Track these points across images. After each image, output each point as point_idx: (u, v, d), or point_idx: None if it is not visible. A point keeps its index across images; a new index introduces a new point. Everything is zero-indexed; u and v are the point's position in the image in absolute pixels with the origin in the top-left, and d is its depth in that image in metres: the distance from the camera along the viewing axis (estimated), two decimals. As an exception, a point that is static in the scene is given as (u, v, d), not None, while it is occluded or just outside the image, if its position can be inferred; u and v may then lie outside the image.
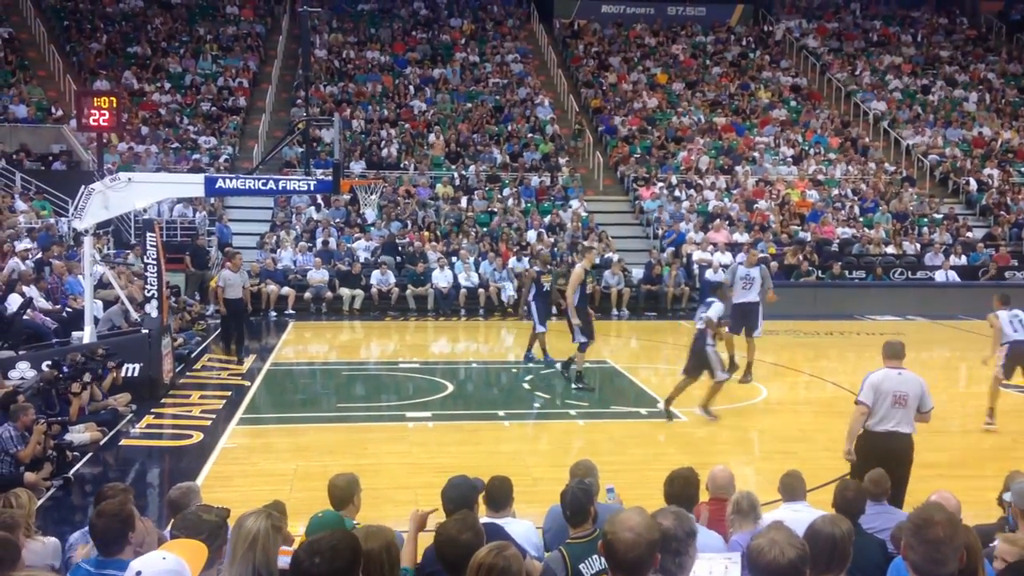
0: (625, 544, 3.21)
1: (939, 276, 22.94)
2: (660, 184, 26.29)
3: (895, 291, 22.75)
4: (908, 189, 27.20)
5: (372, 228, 23.38)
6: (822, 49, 34.69)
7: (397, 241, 22.65)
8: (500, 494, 5.45)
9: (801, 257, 22.78)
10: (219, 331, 16.66)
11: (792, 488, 5.97)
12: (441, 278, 21.38)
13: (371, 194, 18.25)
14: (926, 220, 25.66)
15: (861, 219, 25.40)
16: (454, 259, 21.99)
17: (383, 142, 27.27)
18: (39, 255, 16.11)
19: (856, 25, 36.83)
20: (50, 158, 24.05)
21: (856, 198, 26.60)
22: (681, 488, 5.33)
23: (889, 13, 37.63)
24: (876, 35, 36.09)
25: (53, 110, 26.22)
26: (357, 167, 25.46)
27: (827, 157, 28.77)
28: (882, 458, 6.94)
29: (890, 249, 24.03)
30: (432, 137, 27.78)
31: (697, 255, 22.85)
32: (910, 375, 7.36)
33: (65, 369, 10.47)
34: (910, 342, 19.03)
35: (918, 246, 24.14)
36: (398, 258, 22.03)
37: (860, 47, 35.15)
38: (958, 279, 22.83)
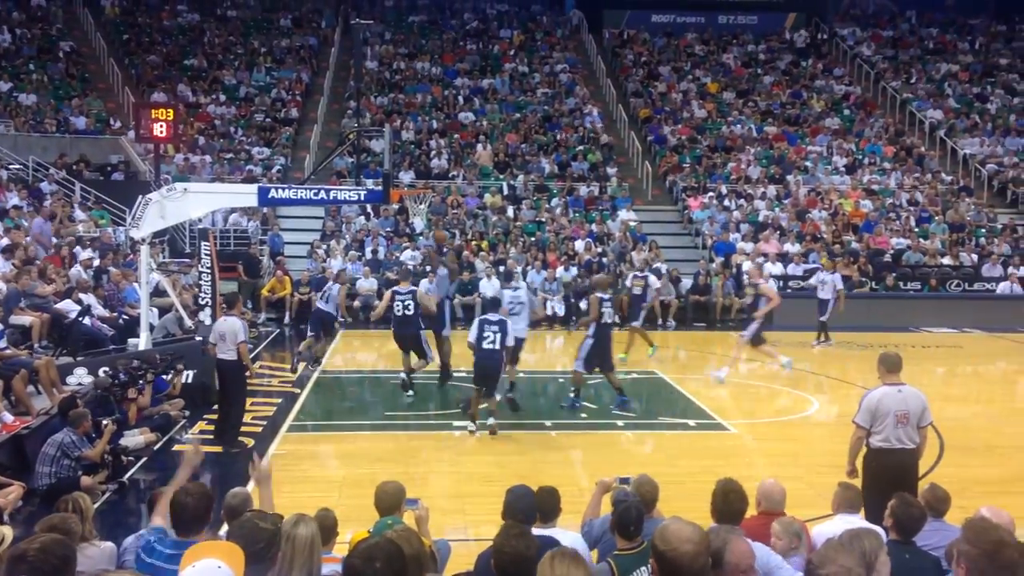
0: (689, 556, 3.20)
1: (1001, 288, 22.38)
2: (710, 194, 26.09)
3: (952, 303, 22.24)
4: (965, 199, 26.63)
5: (420, 238, 23.54)
6: (876, 57, 34.16)
7: (447, 249, 22.76)
8: (549, 505, 5.46)
9: (855, 268, 22.46)
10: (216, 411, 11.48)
11: (851, 501, 5.91)
12: (488, 287, 21.39)
13: (420, 204, 18.41)
14: (983, 231, 25.09)
15: (916, 230, 24.92)
16: (501, 268, 22.03)
17: (432, 152, 27.47)
18: (97, 263, 16.49)
19: (912, 33, 36.24)
20: (108, 168, 24.62)
21: (911, 208, 26.13)
22: (737, 503, 5.25)
23: (946, 20, 36.94)
24: (932, 43, 35.46)
25: (112, 122, 26.86)
26: (406, 177, 25.68)
27: (881, 166, 28.30)
28: (891, 475, 6.92)
29: (946, 260, 23.53)
30: (480, 147, 27.90)
31: (747, 265, 22.59)
32: (910, 391, 7.24)
33: (122, 376, 10.68)
34: (968, 355, 18.71)
35: (975, 257, 23.60)
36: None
37: (916, 55, 34.57)
38: (1021, 290, 22.26)
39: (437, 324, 13.52)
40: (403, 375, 13.32)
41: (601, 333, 12.67)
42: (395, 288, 13.26)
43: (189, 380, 12.50)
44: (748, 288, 15.48)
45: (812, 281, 18.91)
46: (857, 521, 5.80)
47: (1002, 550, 3.25)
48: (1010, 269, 22.83)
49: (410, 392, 13.28)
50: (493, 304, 11.98)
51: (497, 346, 11.39)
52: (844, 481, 6.27)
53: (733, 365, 15.17)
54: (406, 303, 12.91)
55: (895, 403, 7.11)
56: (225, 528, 4.88)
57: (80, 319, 13.12)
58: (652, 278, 16.80)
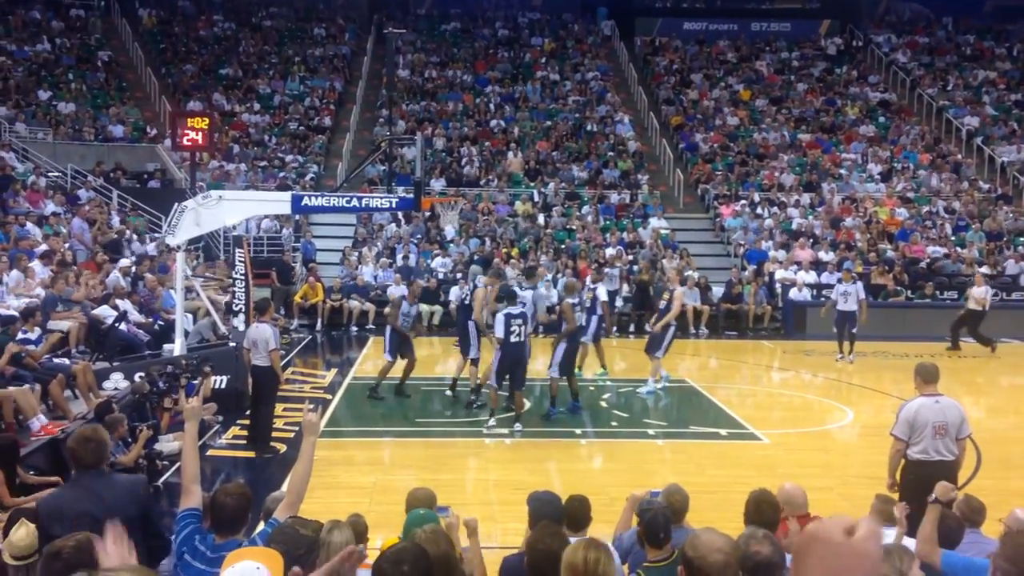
0: (717, 567, 3.18)
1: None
2: (742, 202, 25.94)
3: (989, 313, 21.85)
4: (1003, 207, 26.24)
5: (451, 245, 23.61)
6: (912, 64, 33.79)
7: (478, 256, 22.82)
8: (579, 514, 5.46)
9: (891, 277, 22.19)
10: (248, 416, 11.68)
11: (888, 514, 5.86)
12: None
13: (451, 211, 18.46)
14: (1022, 239, 24.69)
15: (953, 238, 24.59)
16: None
17: (464, 160, 27.57)
18: (134, 269, 16.72)
19: (948, 39, 35.80)
20: (145, 176, 24.97)
21: (948, 216, 25.79)
22: (769, 513, 5.20)
23: (983, 27, 36.44)
24: (969, 49, 35.01)
25: (148, 130, 27.25)
26: (438, 184, 25.78)
27: (917, 174, 27.97)
28: (929, 487, 6.75)
29: (984, 269, 23.15)
30: (511, 155, 27.96)
31: (780, 274, 22.43)
32: (948, 402, 7.14)
33: (161, 385, 10.79)
34: (1005, 365, 18.40)
35: (1022, 266, 23.11)
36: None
37: (952, 61, 34.15)
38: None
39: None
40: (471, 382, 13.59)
41: (574, 338, 12.80)
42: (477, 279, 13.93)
43: (223, 386, 12.62)
44: (665, 294, 15.08)
45: (832, 295, 18.19)
46: (893, 535, 5.75)
47: None
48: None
49: (474, 399, 13.37)
50: (510, 296, 12.04)
51: (523, 338, 11.51)
52: (881, 494, 6.19)
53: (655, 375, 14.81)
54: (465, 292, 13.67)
55: (933, 414, 7.01)
56: (260, 528, 4.93)
57: (116, 324, 13.29)
58: (601, 289, 16.28)
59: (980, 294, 19.16)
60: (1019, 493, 9.40)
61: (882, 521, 5.86)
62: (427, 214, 23.33)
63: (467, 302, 13.56)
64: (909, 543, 5.03)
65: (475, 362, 13.45)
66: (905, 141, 29.65)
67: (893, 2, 37.76)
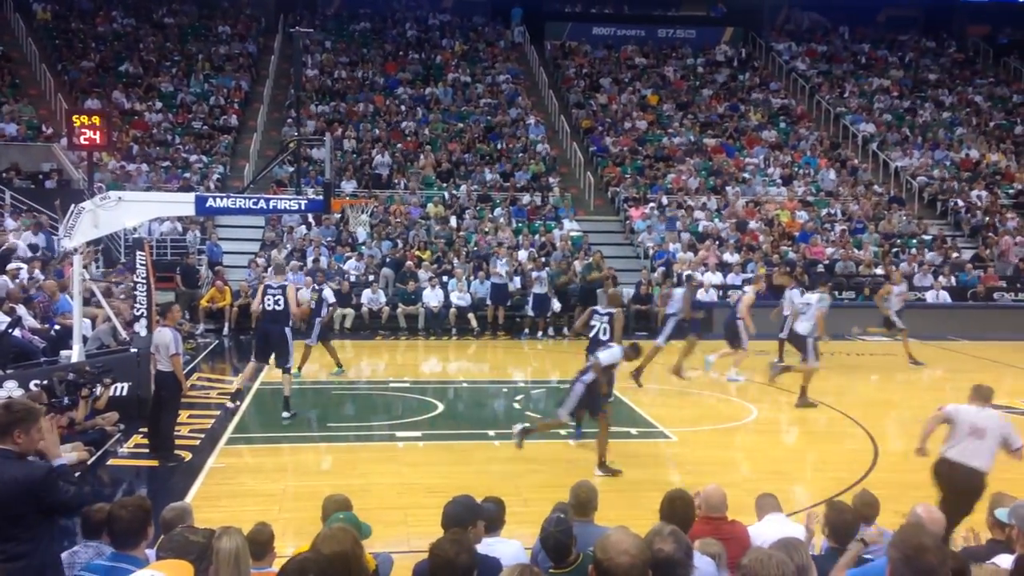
0: (623, 568, 3.21)
1: (929, 296, 23.04)
2: (651, 204, 26.39)
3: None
4: (897, 210, 27.36)
5: (363, 247, 23.37)
6: (811, 71, 34.97)
7: (390, 259, 22.65)
8: (495, 515, 5.46)
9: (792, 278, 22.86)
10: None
11: (771, 504, 6.15)
12: (432, 297, 21.36)
13: (362, 213, 18.27)
14: (915, 241, 25.80)
15: (850, 240, 25.53)
16: (444, 278, 21.98)
17: (374, 161, 27.33)
18: (24, 271, 16.04)
19: (844, 48, 37.18)
20: (40, 176, 24.01)
21: (845, 219, 26.76)
22: (683, 511, 5.29)
23: (877, 36, 37.99)
24: (864, 58, 36.44)
25: (44, 128, 26.20)
26: (348, 186, 25.49)
27: (816, 179, 28.94)
28: (956, 488, 7.23)
29: (879, 270, 24.12)
30: (422, 157, 27.84)
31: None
32: (989, 412, 7.55)
33: (65, 400, 10.35)
34: (899, 363, 19.09)
35: (916, 267, 24.11)
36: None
37: (848, 70, 35.47)
38: (949, 300, 22.97)
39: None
40: (237, 384, 13.44)
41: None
42: (267, 282, 13.09)
43: (124, 393, 12.21)
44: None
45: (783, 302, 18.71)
46: (786, 521, 5.99)
47: (921, 555, 3.33)
48: (939, 278, 23.51)
49: (288, 414, 12.64)
50: None
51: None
52: (761, 492, 6.45)
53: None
54: (276, 298, 12.64)
55: (971, 416, 7.45)
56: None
57: (10, 331, 12.72)
58: (327, 290, 16.46)
59: None
60: (916, 485, 9.80)
61: (769, 512, 6.11)
62: (338, 216, 23.02)
63: (280, 307, 12.58)
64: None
65: (288, 370, 12.82)
66: (804, 146, 30.65)
67: (793, 11, 39.01)
